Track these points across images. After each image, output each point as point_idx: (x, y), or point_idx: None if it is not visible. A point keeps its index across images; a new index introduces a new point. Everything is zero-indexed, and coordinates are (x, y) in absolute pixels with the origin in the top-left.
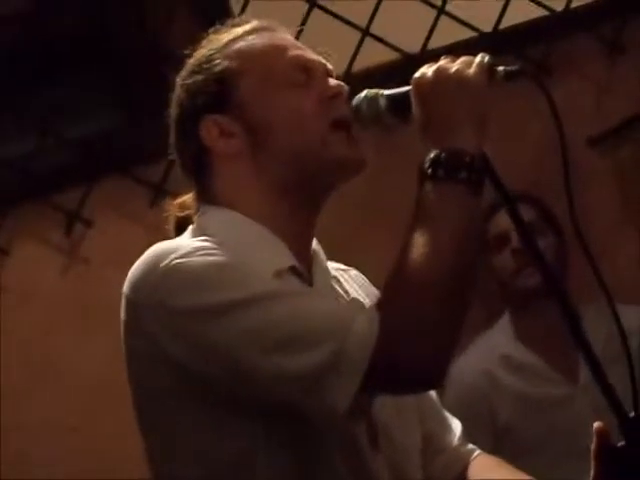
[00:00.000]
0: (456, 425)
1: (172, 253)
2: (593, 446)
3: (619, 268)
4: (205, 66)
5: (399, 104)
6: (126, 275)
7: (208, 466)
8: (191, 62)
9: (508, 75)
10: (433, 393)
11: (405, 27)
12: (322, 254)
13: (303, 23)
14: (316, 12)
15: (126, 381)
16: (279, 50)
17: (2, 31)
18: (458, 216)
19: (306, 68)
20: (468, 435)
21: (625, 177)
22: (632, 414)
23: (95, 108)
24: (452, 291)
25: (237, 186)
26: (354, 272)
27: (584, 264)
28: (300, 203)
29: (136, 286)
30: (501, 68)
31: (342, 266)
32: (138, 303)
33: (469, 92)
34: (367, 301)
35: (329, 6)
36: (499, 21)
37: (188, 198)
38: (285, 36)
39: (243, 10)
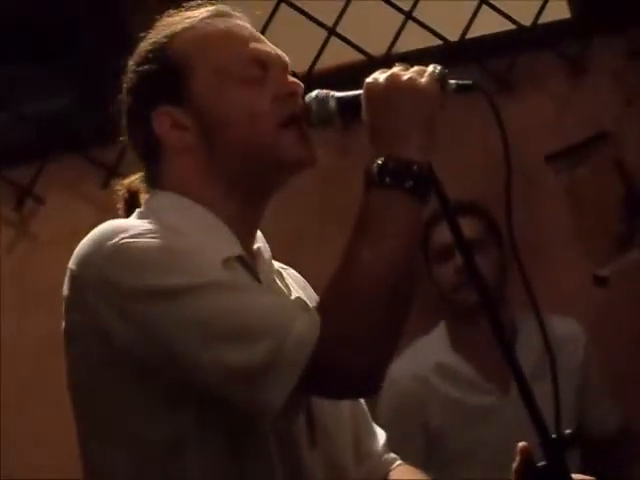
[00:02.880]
0: (381, 433)
1: (122, 232)
2: (515, 464)
3: (568, 284)
4: (160, 53)
5: (349, 107)
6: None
7: (138, 450)
8: (145, 47)
9: (459, 88)
10: (362, 400)
11: (372, 30)
12: (267, 247)
13: (270, 18)
14: (283, 7)
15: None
16: (236, 42)
17: None
18: (402, 225)
19: (263, 62)
20: (402, 438)
21: (579, 196)
22: (554, 435)
23: (53, 87)
24: (392, 300)
25: (187, 177)
26: (292, 271)
27: (516, 273)
28: (248, 196)
29: (82, 262)
30: (453, 81)
31: (282, 265)
32: (83, 279)
33: (419, 101)
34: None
35: (297, 3)
36: (466, 31)
37: (137, 179)
38: (244, 25)
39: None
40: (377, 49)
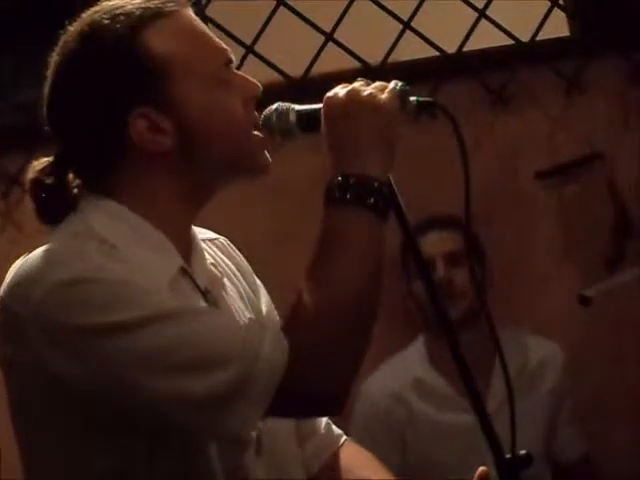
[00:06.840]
0: None
1: (64, 265)
2: None
3: (556, 300)
4: (130, 49)
5: (309, 120)
6: None
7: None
8: (105, 38)
9: (420, 105)
10: None
11: (369, 37)
12: (194, 233)
13: (268, 20)
14: (282, 10)
15: None
16: (209, 41)
17: None
18: (365, 242)
19: (228, 63)
20: (378, 452)
21: (568, 214)
22: (509, 455)
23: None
24: (358, 320)
25: (147, 184)
26: (222, 240)
27: (503, 289)
28: (198, 201)
29: (20, 297)
30: (413, 98)
31: (210, 235)
32: (22, 314)
33: (379, 117)
34: (237, 274)
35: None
36: (463, 43)
37: (48, 164)
38: (198, 19)
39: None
40: (374, 57)
